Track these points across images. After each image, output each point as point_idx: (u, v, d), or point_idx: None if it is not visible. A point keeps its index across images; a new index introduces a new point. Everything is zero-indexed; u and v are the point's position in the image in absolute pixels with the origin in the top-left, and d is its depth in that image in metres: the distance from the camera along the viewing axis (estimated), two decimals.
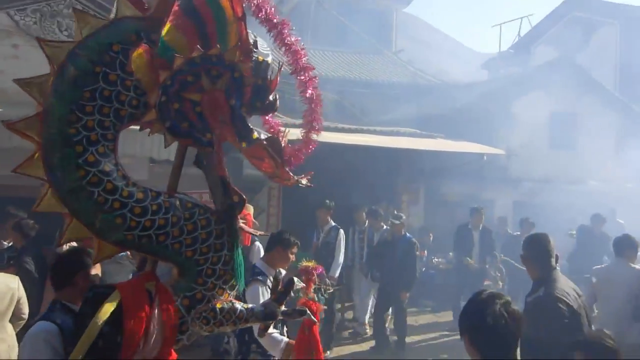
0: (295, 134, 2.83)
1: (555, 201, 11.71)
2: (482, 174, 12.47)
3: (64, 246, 3.99)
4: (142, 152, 6.70)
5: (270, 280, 3.70)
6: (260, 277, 3.92)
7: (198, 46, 2.10)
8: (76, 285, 2.71)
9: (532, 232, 6.42)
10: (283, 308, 2.60)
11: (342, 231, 7.81)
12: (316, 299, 3.72)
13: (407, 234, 7.91)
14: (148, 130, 2.24)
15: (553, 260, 3.54)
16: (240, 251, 2.44)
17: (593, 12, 18.70)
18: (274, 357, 3.85)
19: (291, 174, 2.47)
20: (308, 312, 3.01)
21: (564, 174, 12.84)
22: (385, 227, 8.50)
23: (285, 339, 3.77)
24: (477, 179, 12.17)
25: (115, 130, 2.16)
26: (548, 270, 3.50)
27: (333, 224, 7.83)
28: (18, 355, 2.65)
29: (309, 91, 2.56)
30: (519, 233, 9.45)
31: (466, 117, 12.74)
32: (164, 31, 2.08)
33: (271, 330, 3.43)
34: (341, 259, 7.67)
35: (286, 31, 2.44)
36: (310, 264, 3.83)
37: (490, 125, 12.90)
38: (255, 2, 2.35)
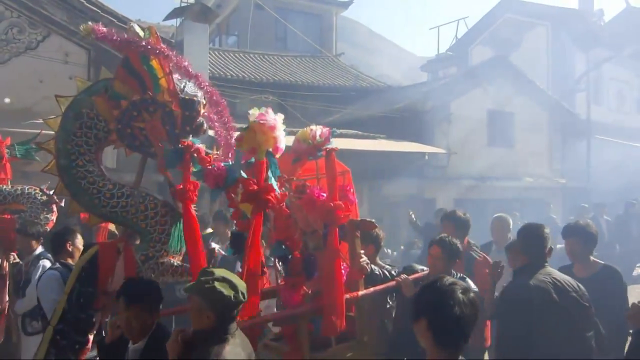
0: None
1: (494, 197, 12.03)
2: (424, 173, 12.66)
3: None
4: None
5: None
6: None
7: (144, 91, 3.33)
8: (66, 251, 4.12)
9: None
10: None
11: None
12: None
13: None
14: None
15: (546, 250, 3.57)
16: (180, 225, 3.38)
17: (524, 14, 19.41)
18: None
19: None
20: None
21: (501, 170, 13.19)
22: None
23: None
24: (418, 178, 12.33)
25: (95, 146, 3.42)
26: (537, 260, 3.53)
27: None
28: (37, 289, 3.91)
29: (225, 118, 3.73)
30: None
31: (407, 118, 12.91)
32: (114, 84, 3.27)
33: None
34: None
35: (201, 79, 3.50)
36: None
37: (431, 125, 13.13)
38: (175, 62, 3.37)
